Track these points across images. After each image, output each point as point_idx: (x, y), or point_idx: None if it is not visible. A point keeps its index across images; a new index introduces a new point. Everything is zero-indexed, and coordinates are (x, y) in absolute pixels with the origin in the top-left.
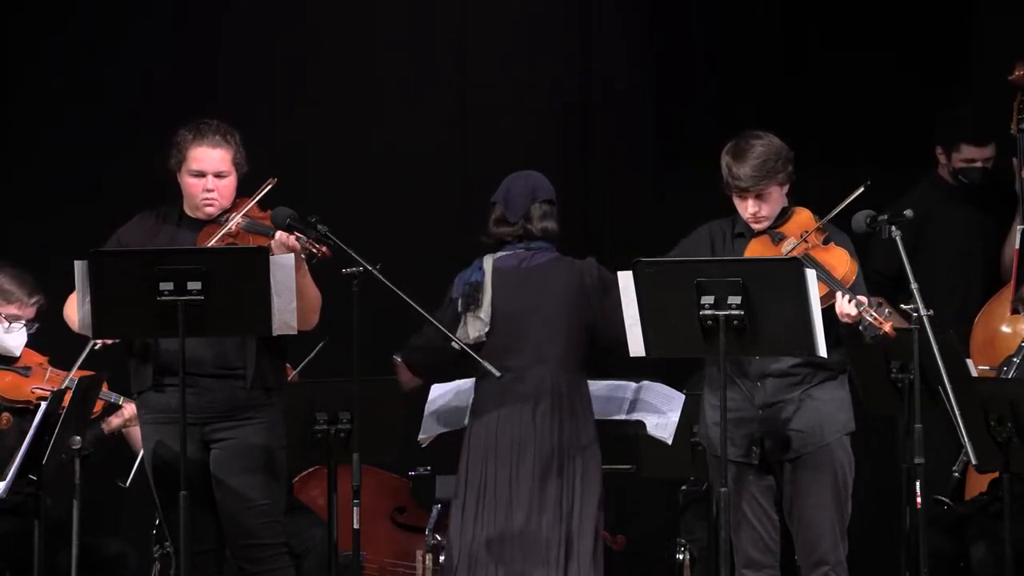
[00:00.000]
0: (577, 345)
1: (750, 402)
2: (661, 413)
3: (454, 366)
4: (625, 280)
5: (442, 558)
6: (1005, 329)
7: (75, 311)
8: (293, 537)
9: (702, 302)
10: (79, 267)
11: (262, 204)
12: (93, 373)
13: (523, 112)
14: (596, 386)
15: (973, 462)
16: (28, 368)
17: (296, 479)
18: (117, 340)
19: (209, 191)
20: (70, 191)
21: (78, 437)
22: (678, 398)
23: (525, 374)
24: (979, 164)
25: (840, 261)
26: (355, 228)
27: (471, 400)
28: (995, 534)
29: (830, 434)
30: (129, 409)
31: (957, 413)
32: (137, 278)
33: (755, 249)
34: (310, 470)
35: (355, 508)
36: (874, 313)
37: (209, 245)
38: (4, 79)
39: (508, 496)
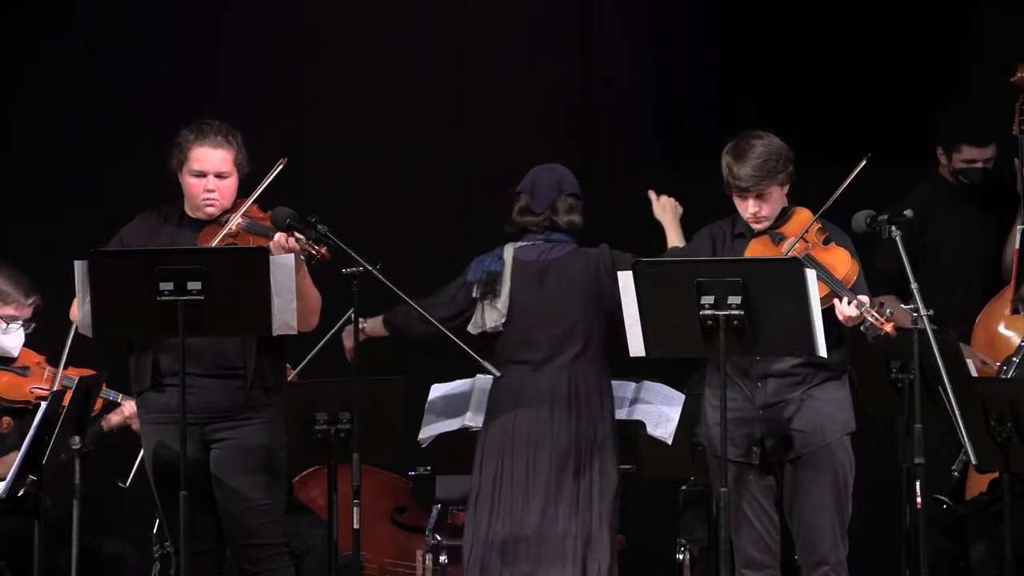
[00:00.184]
0: (596, 337)
1: (751, 402)
2: (661, 413)
3: (434, 348)
4: (625, 280)
5: (442, 558)
6: (1005, 328)
7: None
8: (293, 537)
9: (702, 302)
10: (79, 267)
11: (262, 203)
12: (94, 372)
13: (523, 112)
14: None
15: (973, 462)
16: (26, 368)
17: (296, 479)
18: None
19: (210, 191)
20: (70, 191)
21: (78, 437)
22: (678, 398)
23: (542, 367)
24: (980, 164)
25: (841, 261)
26: (355, 228)
27: (480, 396)
28: (995, 534)
29: (831, 434)
30: (129, 407)
31: (957, 413)
32: (137, 278)
33: (755, 249)
34: (310, 470)
35: (355, 508)
36: (875, 314)
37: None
38: (4, 79)
39: (524, 489)
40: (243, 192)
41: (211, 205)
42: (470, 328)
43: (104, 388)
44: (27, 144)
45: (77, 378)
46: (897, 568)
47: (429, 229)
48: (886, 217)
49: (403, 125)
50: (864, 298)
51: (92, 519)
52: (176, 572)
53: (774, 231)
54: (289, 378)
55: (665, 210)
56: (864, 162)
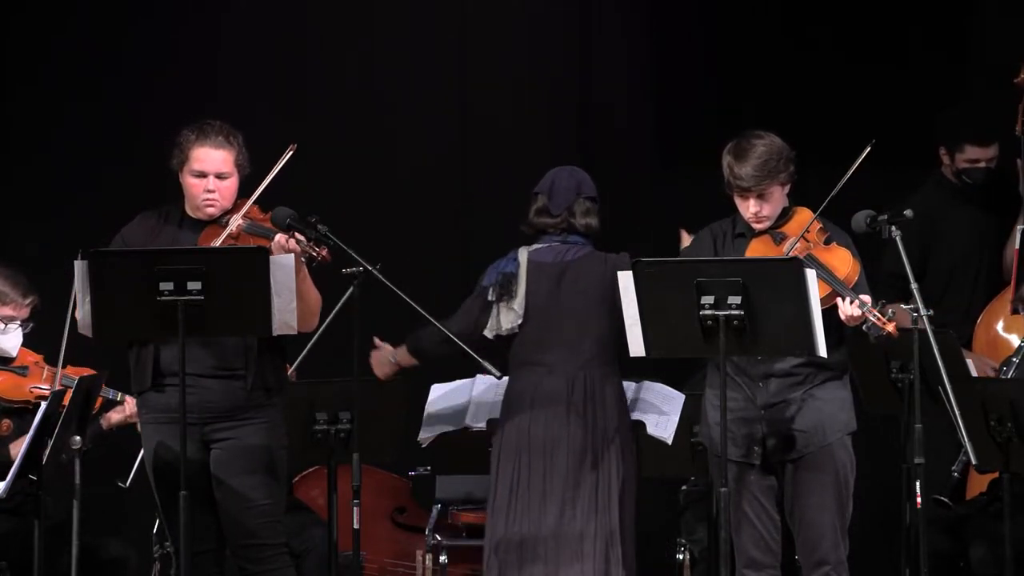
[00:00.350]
0: (610, 340)
1: (752, 402)
2: (661, 413)
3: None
4: (625, 280)
5: (442, 558)
6: (1004, 329)
7: None
8: (293, 537)
9: (702, 302)
10: (79, 267)
11: (263, 203)
12: (94, 372)
13: (523, 112)
14: None
15: (973, 462)
16: (25, 367)
17: (296, 479)
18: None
19: (210, 192)
20: (70, 191)
21: (78, 437)
22: (678, 398)
23: (557, 369)
24: (983, 164)
25: (842, 261)
26: (355, 228)
27: (480, 396)
28: (995, 534)
29: (832, 434)
30: (131, 404)
31: (957, 413)
32: (137, 278)
33: (756, 249)
34: (310, 470)
35: (355, 508)
36: (877, 313)
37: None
38: (4, 79)
39: (542, 491)
40: (255, 177)
41: (211, 205)
42: (486, 332)
43: (104, 387)
44: (27, 144)
45: (77, 378)
46: (897, 568)
47: (429, 229)
48: (886, 217)
49: (403, 125)
50: (866, 298)
51: (92, 519)
52: (176, 572)
53: (775, 231)
54: (288, 372)
55: None
56: (868, 148)
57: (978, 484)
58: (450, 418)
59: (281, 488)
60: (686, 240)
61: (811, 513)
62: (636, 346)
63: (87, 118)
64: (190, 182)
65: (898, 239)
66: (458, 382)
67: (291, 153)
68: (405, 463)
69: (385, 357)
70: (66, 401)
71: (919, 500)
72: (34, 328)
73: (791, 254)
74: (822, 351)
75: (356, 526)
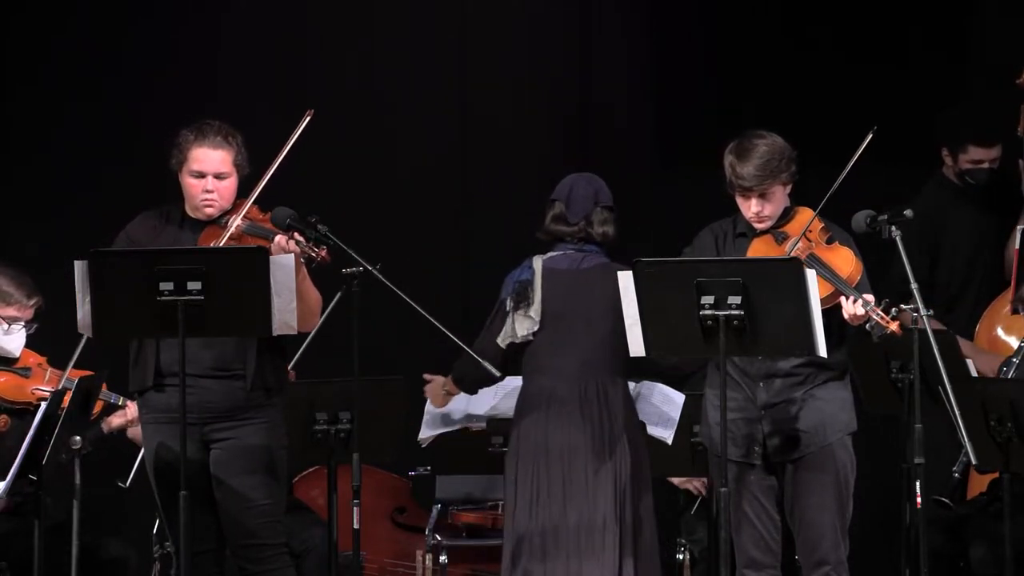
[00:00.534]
0: (620, 346)
1: (753, 402)
2: (661, 413)
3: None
4: (625, 280)
5: (442, 558)
6: (1005, 329)
7: None
8: (293, 537)
9: (702, 302)
10: (79, 267)
11: (262, 204)
12: (93, 373)
13: (523, 112)
14: None
15: (973, 462)
16: (27, 369)
17: (296, 479)
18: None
19: (209, 192)
20: (70, 191)
21: (78, 437)
22: (678, 398)
23: (571, 375)
24: (986, 165)
25: (845, 261)
26: (355, 228)
27: (480, 396)
28: (995, 534)
29: (832, 434)
30: (132, 409)
31: (957, 413)
32: (137, 278)
33: (758, 249)
34: (310, 470)
35: (355, 508)
36: (880, 312)
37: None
38: (4, 79)
39: (562, 497)
40: (274, 149)
41: (210, 206)
42: (499, 340)
43: (105, 390)
44: (27, 144)
45: (77, 379)
46: (897, 568)
47: (429, 229)
48: (886, 217)
49: (403, 125)
50: (869, 296)
51: (92, 519)
52: (176, 572)
53: (777, 230)
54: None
55: None
56: (870, 136)
57: (978, 484)
58: (450, 418)
59: (281, 488)
60: None
61: (811, 513)
62: (636, 346)
63: (87, 118)
64: (189, 182)
65: (898, 239)
66: None
67: (308, 119)
68: (405, 463)
69: (438, 388)
70: (66, 402)
71: (919, 500)
72: (38, 330)
73: (793, 253)
74: (822, 351)
75: (356, 526)
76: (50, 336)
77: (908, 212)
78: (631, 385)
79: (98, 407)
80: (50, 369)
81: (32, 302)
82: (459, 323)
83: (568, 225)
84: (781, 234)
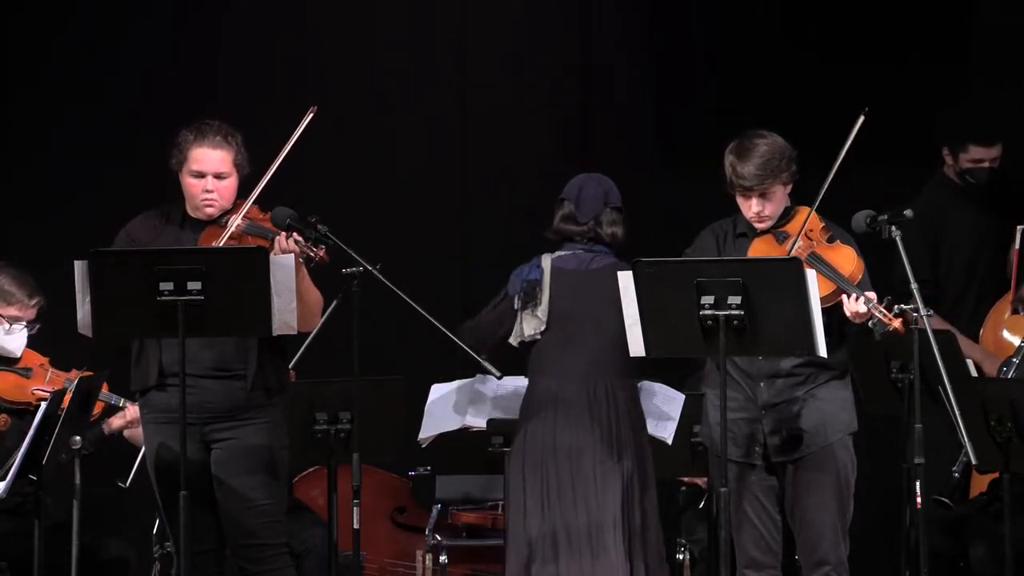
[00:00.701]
0: (627, 347)
1: (753, 402)
2: (661, 413)
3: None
4: (625, 280)
5: (442, 558)
6: (1008, 330)
7: None
8: (293, 537)
9: (702, 302)
10: (79, 267)
11: (261, 204)
12: (93, 373)
13: (523, 112)
14: None
15: (973, 462)
16: (29, 369)
17: (296, 479)
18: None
19: (209, 192)
20: (70, 191)
21: (78, 437)
22: (678, 398)
23: (577, 375)
24: (987, 164)
25: (847, 259)
26: (355, 228)
27: (480, 396)
28: (995, 534)
29: (833, 434)
30: (132, 410)
31: (957, 413)
32: (137, 278)
33: (759, 248)
34: (310, 470)
35: (355, 508)
36: (883, 309)
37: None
38: (4, 79)
39: (572, 497)
40: (274, 149)
41: (210, 205)
42: (511, 340)
43: (106, 392)
44: (27, 144)
45: (77, 379)
46: (897, 568)
47: (429, 229)
48: (886, 217)
49: (403, 125)
50: (871, 294)
51: (92, 519)
52: (176, 572)
53: (778, 230)
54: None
55: None
56: (862, 118)
57: (978, 484)
58: (450, 418)
59: (282, 488)
60: None
61: (811, 513)
62: (636, 346)
63: (87, 118)
64: (189, 182)
65: (898, 239)
66: (458, 382)
67: (311, 116)
68: (405, 463)
69: None
70: (66, 402)
71: (919, 500)
72: (39, 330)
73: (795, 252)
74: (822, 351)
75: (356, 526)
76: (51, 336)
77: (908, 212)
78: None
79: (98, 408)
80: (51, 370)
81: (33, 302)
82: (459, 323)
83: (577, 224)
84: (782, 233)
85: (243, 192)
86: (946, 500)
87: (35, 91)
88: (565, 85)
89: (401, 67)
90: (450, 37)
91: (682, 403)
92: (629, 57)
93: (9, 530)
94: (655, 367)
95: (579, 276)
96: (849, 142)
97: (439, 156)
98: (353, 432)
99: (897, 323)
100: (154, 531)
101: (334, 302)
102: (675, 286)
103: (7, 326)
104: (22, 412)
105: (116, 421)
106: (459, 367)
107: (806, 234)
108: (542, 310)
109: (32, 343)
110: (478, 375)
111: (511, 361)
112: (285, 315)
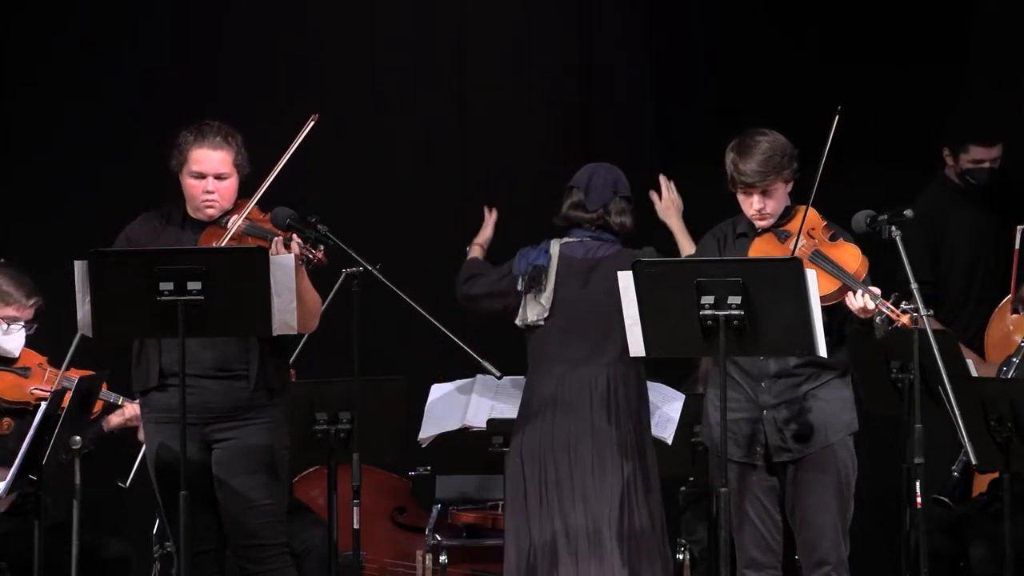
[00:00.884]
0: None
1: (754, 402)
2: (662, 413)
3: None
4: (625, 280)
5: (442, 558)
6: (1015, 330)
7: None
8: (293, 537)
9: (702, 302)
10: (79, 267)
11: (261, 204)
12: (93, 373)
13: (523, 112)
14: None
15: (973, 462)
16: (27, 369)
17: (296, 479)
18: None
19: (209, 192)
20: (70, 191)
21: (78, 437)
22: (678, 398)
23: (581, 366)
24: (987, 164)
25: (851, 256)
26: (355, 228)
27: (480, 396)
28: (995, 534)
29: (834, 434)
30: (131, 409)
31: (957, 413)
32: (137, 278)
33: (761, 247)
34: (310, 470)
35: (355, 508)
36: (890, 305)
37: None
38: (5, 79)
39: (571, 489)
40: (274, 149)
41: (211, 206)
42: (517, 322)
43: (105, 390)
44: (27, 144)
45: (77, 379)
46: (897, 568)
47: (429, 229)
48: (886, 217)
49: (403, 125)
50: (876, 290)
51: (92, 519)
52: (176, 572)
53: (779, 229)
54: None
55: (669, 212)
56: (837, 117)
57: (979, 484)
58: (450, 418)
59: (282, 488)
60: (656, 200)
61: (812, 513)
62: (636, 346)
63: (87, 118)
64: (189, 183)
65: (898, 239)
66: (458, 382)
67: (312, 124)
68: (405, 463)
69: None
70: (66, 402)
71: (919, 500)
72: (38, 330)
73: (798, 251)
74: (822, 351)
75: (356, 526)
76: (50, 336)
77: (908, 212)
78: None
79: (98, 407)
80: (50, 369)
81: (31, 302)
82: (459, 323)
83: (586, 212)
84: (783, 232)
85: (243, 193)
86: (946, 500)
87: (35, 91)
88: (565, 85)
89: (401, 67)
90: (450, 37)
91: (682, 403)
92: (629, 57)
93: (9, 530)
94: (655, 367)
95: (585, 264)
96: (829, 143)
97: (439, 156)
98: (353, 432)
99: (905, 319)
100: (154, 531)
101: (326, 300)
102: (675, 286)
103: (5, 326)
104: (21, 412)
105: (115, 419)
106: (459, 367)
107: (808, 232)
108: (546, 297)
109: (31, 343)
110: (478, 375)
111: (511, 361)
112: (285, 315)
